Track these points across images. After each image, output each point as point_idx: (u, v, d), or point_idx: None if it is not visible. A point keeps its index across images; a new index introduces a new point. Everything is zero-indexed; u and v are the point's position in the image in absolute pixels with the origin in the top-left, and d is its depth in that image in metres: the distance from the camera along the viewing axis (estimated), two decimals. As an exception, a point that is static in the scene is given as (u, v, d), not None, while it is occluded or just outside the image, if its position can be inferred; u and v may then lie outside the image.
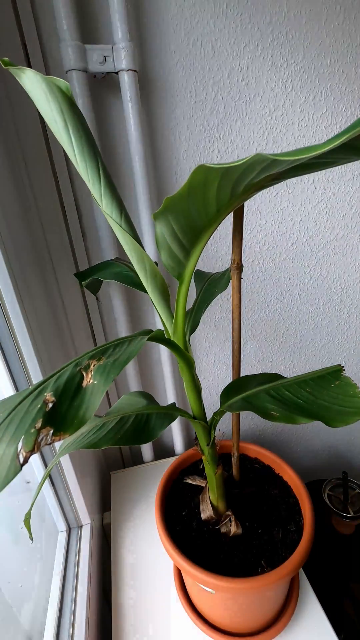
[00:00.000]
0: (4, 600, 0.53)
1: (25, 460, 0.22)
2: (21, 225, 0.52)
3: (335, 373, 0.42)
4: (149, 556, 0.64)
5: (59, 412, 0.24)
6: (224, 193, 0.24)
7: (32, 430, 0.23)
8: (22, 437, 0.23)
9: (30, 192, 0.59)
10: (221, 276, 0.53)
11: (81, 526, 0.67)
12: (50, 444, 0.23)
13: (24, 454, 0.22)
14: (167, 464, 0.60)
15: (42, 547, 0.63)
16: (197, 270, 0.59)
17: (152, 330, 0.35)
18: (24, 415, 0.24)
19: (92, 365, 0.27)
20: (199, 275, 0.57)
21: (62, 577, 0.58)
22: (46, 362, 0.53)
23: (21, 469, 0.22)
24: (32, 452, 0.22)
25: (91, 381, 0.26)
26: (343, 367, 0.42)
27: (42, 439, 0.23)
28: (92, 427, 0.38)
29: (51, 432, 0.23)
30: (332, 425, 0.35)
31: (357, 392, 0.38)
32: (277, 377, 0.47)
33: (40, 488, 0.32)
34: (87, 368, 0.27)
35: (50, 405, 0.24)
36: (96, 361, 0.27)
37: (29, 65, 0.54)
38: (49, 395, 0.25)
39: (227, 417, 0.88)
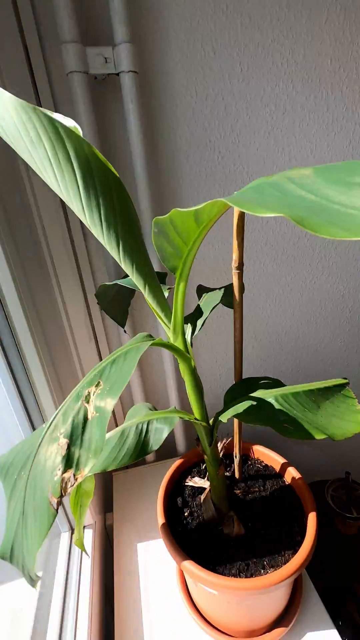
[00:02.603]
0: (6, 601, 0.53)
1: (58, 504, 0.25)
2: (24, 230, 0.52)
3: (340, 386, 0.42)
4: (152, 556, 0.64)
5: (74, 452, 0.26)
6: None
7: (56, 478, 0.25)
8: (49, 485, 0.25)
9: (32, 194, 0.59)
10: (223, 289, 0.54)
11: (84, 527, 0.67)
12: (74, 485, 0.25)
13: (55, 500, 0.24)
14: (169, 464, 0.60)
15: (44, 548, 0.63)
16: (200, 285, 0.59)
17: (149, 335, 0.35)
18: (45, 462, 0.26)
19: (92, 395, 0.28)
20: (202, 289, 0.57)
21: (65, 578, 0.58)
22: (48, 364, 0.53)
23: (57, 512, 0.25)
24: (61, 497, 0.25)
25: (95, 413, 0.27)
26: (348, 381, 0.42)
27: (66, 483, 0.25)
28: None
29: (72, 474, 0.25)
30: (334, 438, 0.35)
31: (356, 405, 0.38)
32: (279, 382, 0.47)
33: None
34: (88, 399, 0.28)
35: (65, 447, 0.26)
36: (94, 387, 0.28)
37: (30, 68, 0.54)
38: (61, 438, 0.27)
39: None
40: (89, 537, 0.65)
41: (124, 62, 0.53)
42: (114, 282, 0.52)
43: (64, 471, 0.25)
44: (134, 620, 0.56)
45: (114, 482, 0.81)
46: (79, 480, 0.25)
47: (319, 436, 0.36)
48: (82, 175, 0.24)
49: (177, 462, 0.60)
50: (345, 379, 0.43)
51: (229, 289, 0.51)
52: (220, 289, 0.55)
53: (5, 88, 0.25)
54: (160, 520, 0.51)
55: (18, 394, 0.51)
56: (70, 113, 0.56)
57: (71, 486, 0.25)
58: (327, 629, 0.53)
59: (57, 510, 0.24)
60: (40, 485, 0.26)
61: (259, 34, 0.59)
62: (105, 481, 0.86)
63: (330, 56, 0.63)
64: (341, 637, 0.52)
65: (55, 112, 0.28)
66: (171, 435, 0.90)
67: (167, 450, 0.92)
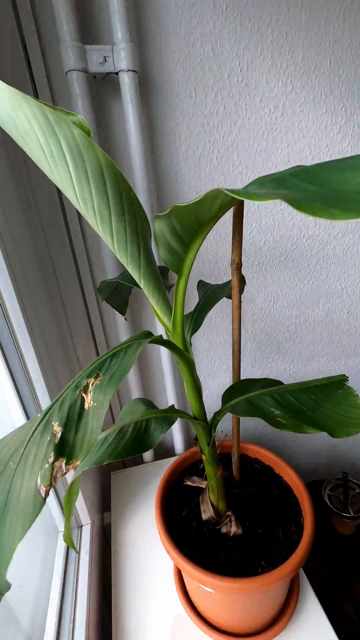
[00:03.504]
0: (4, 601, 0.53)
1: (47, 494, 0.23)
2: (23, 230, 0.52)
3: (338, 383, 0.42)
4: (149, 556, 0.64)
5: (68, 441, 0.25)
6: (228, 198, 0.24)
7: (47, 466, 0.24)
8: (39, 472, 0.24)
9: (31, 193, 0.59)
10: (224, 285, 0.54)
11: (81, 526, 0.67)
12: (65, 474, 0.24)
13: (44, 488, 0.23)
14: (167, 464, 0.60)
15: (42, 548, 0.63)
16: (200, 280, 0.59)
17: (149, 332, 0.35)
18: (37, 450, 0.25)
19: (90, 385, 0.28)
20: (202, 284, 0.57)
21: (62, 577, 0.58)
22: (47, 363, 0.53)
23: (44, 502, 0.23)
24: (50, 485, 0.23)
25: (92, 403, 0.26)
26: (347, 377, 0.42)
27: (57, 471, 0.24)
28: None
29: (64, 462, 0.24)
30: (336, 435, 0.35)
31: (358, 402, 0.38)
32: (279, 383, 0.47)
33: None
34: (86, 389, 0.27)
35: (59, 435, 0.25)
36: (93, 379, 0.28)
37: (29, 66, 0.54)
38: (55, 426, 0.26)
39: (227, 417, 0.88)
40: (87, 536, 0.65)
41: (123, 61, 0.53)
42: (114, 279, 0.52)
43: (56, 459, 0.24)
44: (131, 620, 0.56)
45: (112, 481, 0.81)
46: (70, 469, 0.24)
47: (312, 431, 0.36)
48: (74, 162, 0.23)
49: (175, 461, 0.60)
50: (343, 375, 0.43)
51: (230, 283, 0.51)
52: (221, 285, 0.55)
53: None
54: (158, 519, 0.51)
55: (16, 394, 0.51)
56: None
57: (62, 474, 0.24)
58: (324, 628, 0.53)
59: (44, 499, 0.23)
60: (29, 474, 0.25)
61: (259, 34, 0.59)
62: (103, 480, 0.86)
63: (329, 57, 0.63)
64: (338, 636, 0.52)
65: (55, 110, 0.27)
66: (169, 434, 0.90)
67: (165, 449, 0.92)
